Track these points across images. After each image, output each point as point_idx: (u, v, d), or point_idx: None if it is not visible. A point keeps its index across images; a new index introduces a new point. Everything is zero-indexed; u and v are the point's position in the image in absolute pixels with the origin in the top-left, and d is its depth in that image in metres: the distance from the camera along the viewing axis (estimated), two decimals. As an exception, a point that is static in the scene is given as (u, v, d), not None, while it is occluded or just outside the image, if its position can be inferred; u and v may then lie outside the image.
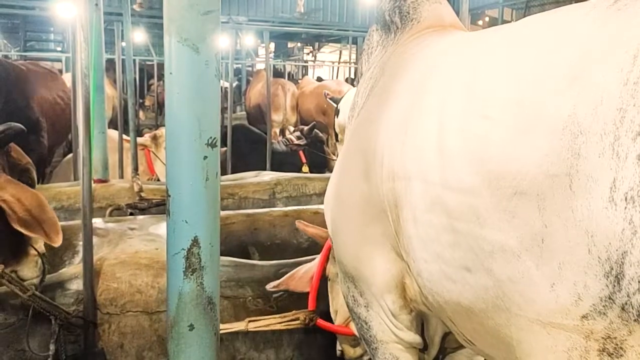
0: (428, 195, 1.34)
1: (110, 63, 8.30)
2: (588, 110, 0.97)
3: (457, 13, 3.32)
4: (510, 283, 1.10)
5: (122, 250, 3.09)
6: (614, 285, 0.93)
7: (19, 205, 2.09)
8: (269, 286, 2.58)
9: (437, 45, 1.69)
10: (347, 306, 2.02)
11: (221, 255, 3.04)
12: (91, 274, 2.64)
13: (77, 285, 2.70)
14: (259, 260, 3.67)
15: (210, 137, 1.51)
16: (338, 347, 2.64)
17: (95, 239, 3.14)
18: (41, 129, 5.12)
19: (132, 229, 3.53)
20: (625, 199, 0.90)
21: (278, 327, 2.50)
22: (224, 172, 6.27)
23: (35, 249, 2.39)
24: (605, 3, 1.07)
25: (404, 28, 1.96)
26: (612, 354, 0.96)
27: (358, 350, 2.47)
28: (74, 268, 2.92)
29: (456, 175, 1.24)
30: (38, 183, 4.93)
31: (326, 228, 2.16)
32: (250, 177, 5.46)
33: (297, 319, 2.46)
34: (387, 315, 1.77)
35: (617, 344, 0.96)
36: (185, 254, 1.53)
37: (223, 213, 4.24)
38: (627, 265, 0.91)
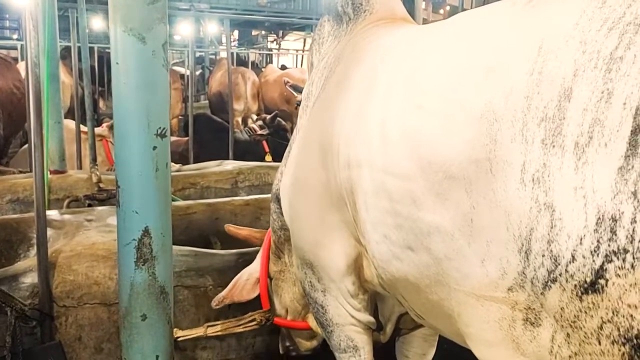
0: (374, 181, 1.42)
1: (68, 51, 8.09)
2: (501, 99, 1.06)
3: (413, 3, 3.38)
4: (447, 260, 1.20)
5: (79, 242, 3.04)
6: (525, 261, 1.01)
7: None
8: (214, 303, 2.50)
9: (387, 37, 1.74)
10: (304, 291, 2.06)
11: (183, 245, 3.03)
12: (46, 266, 2.60)
13: (32, 278, 2.65)
14: (221, 249, 3.66)
15: (160, 128, 1.51)
16: (281, 344, 2.66)
17: (51, 232, 3.09)
18: (-3, 120, 4.98)
19: (89, 220, 3.47)
20: (532, 180, 0.98)
21: (236, 330, 2.51)
22: (186, 161, 6.20)
23: None
24: (523, 1, 1.16)
25: (357, 19, 1.99)
26: (534, 323, 1.04)
27: (314, 342, 2.50)
28: (29, 261, 2.87)
29: (395, 161, 1.33)
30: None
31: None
32: (212, 166, 5.43)
33: (254, 320, 2.47)
34: (345, 298, 1.85)
35: (536, 315, 1.03)
36: (137, 244, 1.53)
37: (184, 203, 4.21)
38: (533, 241, 0.98)
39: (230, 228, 2.76)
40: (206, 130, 6.31)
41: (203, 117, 6.61)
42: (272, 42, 17.29)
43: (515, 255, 1.03)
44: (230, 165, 5.38)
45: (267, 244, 2.49)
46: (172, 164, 5.60)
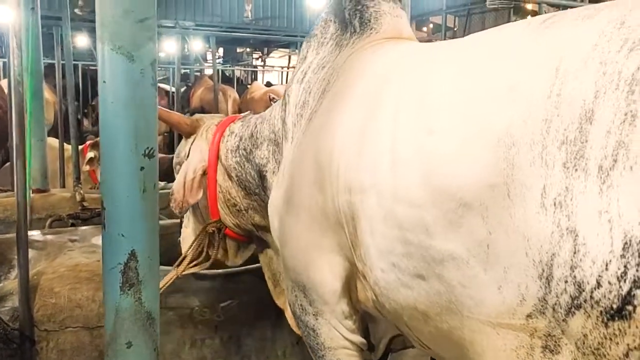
0: (382, 208, 1.38)
1: (51, 69, 8.02)
2: (519, 122, 1.04)
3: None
4: (461, 288, 1.16)
5: (61, 263, 2.97)
6: (546, 287, 0.98)
7: None
8: (176, 210, 2.38)
9: (393, 55, 1.72)
10: (294, 315, 2.01)
11: (168, 265, 2.98)
12: (27, 289, 2.52)
13: (12, 302, 2.58)
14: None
15: (147, 148, 1.47)
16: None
17: (32, 253, 3.01)
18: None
19: (72, 240, 3.40)
20: (554, 204, 0.96)
21: (199, 248, 2.42)
22: (170, 179, 6.13)
23: None
24: (538, 20, 1.15)
25: (362, 34, 1.95)
26: (553, 350, 1.01)
27: (238, 259, 2.55)
28: (9, 284, 2.79)
29: (405, 188, 1.29)
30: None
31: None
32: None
33: (207, 232, 2.40)
34: (339, 320, 1.81)
35: (556, 342, 1.00)
36: (122, 268, 1.48)
37: (167, 222, 4.14)
38: (555, 266, 0.96)
39: (161, 111, 2.54)
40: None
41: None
42: (257, 59, 17.33)
43: (536, 281, 1.00)
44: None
45: (215, 137, 2.37)
46: (157, 182, 5.56)
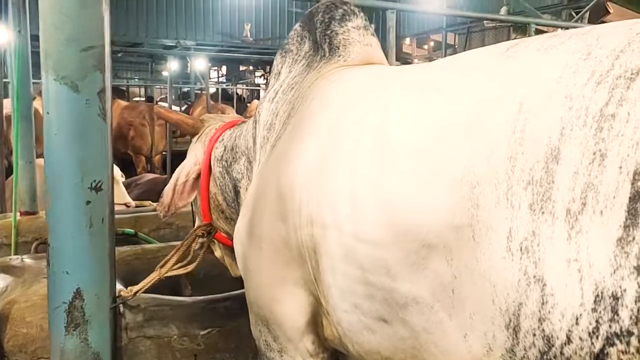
0: (342, 246, 1.32)
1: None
2: (482, 160, 0.97)
3: (385, 41, 3.33)
4: (425, 334, 1.10)
5: (35, 291, 2.88)
6: (514, 338, 0.91)
7: None
8: (161, 214, 2.31)
9: (355, 84, 1.65)
10: (259, 351, 1.93)
11: (151, 292, 2.90)
12: (-4, 319, 2.45)
13: (-18, 332, 2.50)
14: (192, 294, 3.52)
15: (95, 181, 1.41)
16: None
17: (9, 280, 2.94)
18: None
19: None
20: (520, 249, 0.89)
21: (185, 253, 2.32)
22: (164, 200, 6.08)
23: None
24: (500, 49, 1.09)
25: (330, 60, 1.90)
26: None
27: None
28: (-21, 314, 2.71)
29: (366, 227, 1.22)
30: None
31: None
32: (189, 205, 5.32)
33: (196, 236, 2.32)
34: (304, 358, 1.73)
35: None
36: (67, 307, 1.41)
37: (154, 246, 4.07)
38: (522, 317, 0.89)
39: (160, 110, 2.49)
40: (185, 168, 6.21)
41: (183, 155, 6.52)
42: (259, 77, 17.41)
43: (503, 330, 0.93)
44: (208, 204, 5.27)
45: (211, 142, 2.30)
46: (149, 202, 5.50)
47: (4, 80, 9.61)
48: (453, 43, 11.57)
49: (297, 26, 2.06)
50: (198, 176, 2.32)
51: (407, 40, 14.29)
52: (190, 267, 2.40)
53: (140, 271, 2.98)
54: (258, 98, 15.96)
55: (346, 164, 1.34)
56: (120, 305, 2.08)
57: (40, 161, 5.12)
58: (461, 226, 0.99)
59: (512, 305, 0.90)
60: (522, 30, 9.21)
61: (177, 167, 6.28)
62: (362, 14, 1.89)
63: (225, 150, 2.26)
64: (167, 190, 2.31)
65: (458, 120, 1.05)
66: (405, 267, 1.12)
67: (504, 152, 0.94)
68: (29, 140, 4.66)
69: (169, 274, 2.37)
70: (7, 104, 6.98)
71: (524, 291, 0.88)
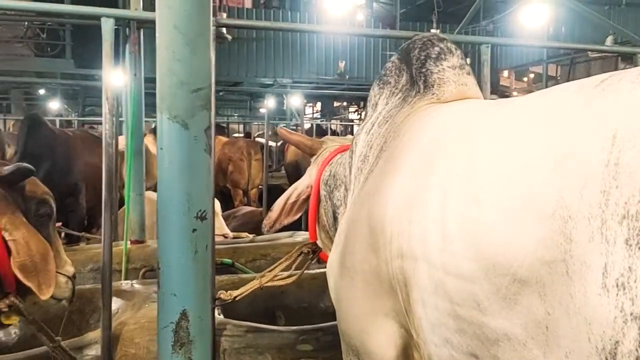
0: (432, 279, 1.32)
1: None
2: (574, 193, 0.96)
3: (480, 74, 3.31)
4: None
5: (144, 314, 3.10)
6: None
7: (26, 249, 2.10)
8: (265, 228, 2.39)
9: (447, 119, 1.67)
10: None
11: (248, 319, 3.02)
12: (109, 339, 2.65)
13: (96, 350, 2.71)
14: (285, 324, 3.61)
15: (200, 210, 1.53)
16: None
17: (120, 302, 3.18)
18: (79, 192, 5.33)
19: (156, 292, 3.55)
20: (617, 285, 0.87)
21: (288, 269, 2.42)
22: (260, 232, 6.29)
23: (63, 274, 2.38)
24: (592, 83, 1.08)
25: (424, 96, 1.91)
26: None
27: None
28: (93, 333, 2.94)
29: (455, 261, 1.22)
30: (77, 243, 5.11)
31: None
32: (284, 237, 5.46)
33: (302, 253, 2.39)
34: None
35: None
36: (174, 327, 1.52)
37: (249, 276, 4.22)
38: (619, 356, 0.87)
39: (282, 131, 2.60)
40: (280, 201, 6.40)
41: (277, 189, 6.75)
42: (353, 112, 17.66)
43: None
44: (302, 236, 5.38)
45: (322, 165, 2.36)
46: (246, 234, 5.72)
47: (120, 119, 10.40)
48: (555, 74, 11.14)
49: (394, 58, 2.08)
50: (308, 197, 2.41)
51: (505, 73, 13.97)
52: (289, 280, 2.49)
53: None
54: (352, 133, 16.18)
55: (436, 198, 1.35)
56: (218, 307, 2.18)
57: (148, 193, 5.52)
58: (554, 261, 0.97)
59: (609, 344, 0.88)
60: (632, 59, 8.73)
61: (273, 200, 6.48)
62: (459, 51, 1.87)
63: (330, 175, 2.34)
64: (276, 207, 2.42)
65: (549, 153, 1.05)
66: (496, 301, 1.10)
67: (597, 186, 0.92)
68: (140, 174, 5.04)
69: (269, 284, 2.48)
70: (120, 140, 7.63)
71: (620, 329, 0.86)
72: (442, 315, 1.30)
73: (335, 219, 2.25)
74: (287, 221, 2.40)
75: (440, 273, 1.28)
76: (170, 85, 1.49)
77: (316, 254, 2.44)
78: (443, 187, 1.34)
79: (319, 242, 2.44)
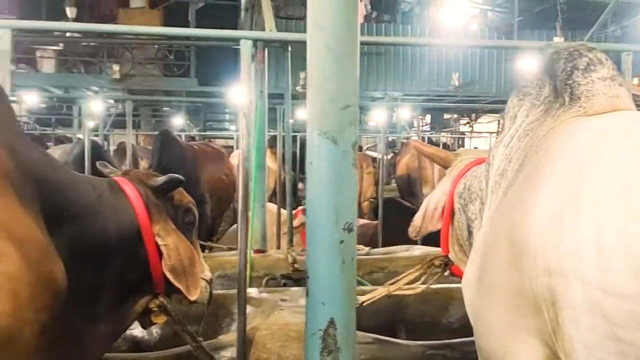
0: (588, 298, 1.29)
1: (275, 139, 8.95)
2: None
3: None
4: None
5: (274, 321, 3.23)
6: None
7: (176, 253, 2.29)
8: (412, 234, 2.46)
9: (596, 130, 1.60)
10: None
11: (370, 331, 3.06)
12: (244, 342, 2.79)
13: (231, 352, 2.87)
14: (406, 339, 3.60)
15: (347, 222, 1.59)
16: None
17: (250, 309, 3.34)
18: (205, 203, 5.68)
19: (283, 300, 3.68)
20: None
21: (418, 279, 2.46)
22: (374, 245, 6.32)
23: (203, 278, 2.55)
24: None
25: (570, 109, 1.84)
26: None
27: None
28: (228, 336, 3.11)
29: (615, 279, 1.20)
30: (203, 251, 5.43)
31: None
32: (400, 250, 5.44)
33: (432, 264, 2.40)
34: None
35: None
36: (322, 334, 1.58)
37: (367, 288, 4.25)
38: None
39: (416, 144, 2.73)
40: (395, 214, 6.39)
41: (392, 202, 6.74)
42: (464, 124, 17.23)
43: None
44: (418, 250, 5.34)
45: (457, 177, 2.37)
46: (362, 246, 5.77)
47: (237, 133, 10.93)
48: (691, 80, 10.19)
49: (534, 69, 2.03)
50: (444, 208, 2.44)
51: (635, 80, 13.01)
52: (418, 290, 2.50)
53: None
54: (463, 146, 15.79)
55: (590, 213, 1.31)
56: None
57: (268, 205, 5.74)
58: None
59: None
60: None
61: (388, 213, 6.43)
62: (609, 62, 1.78)
63: (464, 188, 2.33)
64: (419, 215, 2.49)
65: None
66: None
67: None
68: (263, 186, 5.28)
69: (397, 292, 2.50)
70: (234, 155, 8.02)
71: None
72: (599, 337, 1.25)
73: (469, 232, 2.23)
74: (431, 228, 2.44)
75: (597, 292, 1.24)
76: (321, 103, 1.57)
77: (447, 267, 2.43)
78: (597, 203, 1.30)
79: (451, 255, 2.43)
